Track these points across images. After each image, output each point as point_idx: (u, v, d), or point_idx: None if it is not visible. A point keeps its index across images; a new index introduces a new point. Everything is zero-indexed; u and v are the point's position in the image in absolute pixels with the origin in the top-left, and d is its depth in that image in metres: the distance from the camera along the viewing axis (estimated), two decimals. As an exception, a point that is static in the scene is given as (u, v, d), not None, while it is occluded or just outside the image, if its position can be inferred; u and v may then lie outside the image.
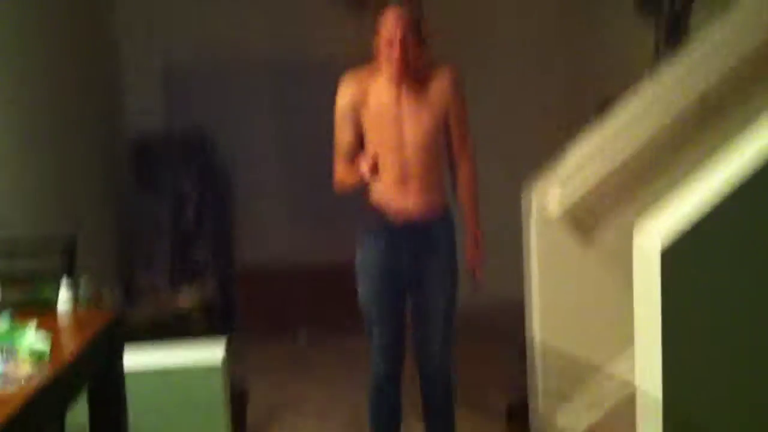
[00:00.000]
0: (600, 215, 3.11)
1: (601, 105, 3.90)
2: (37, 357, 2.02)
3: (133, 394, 2.51)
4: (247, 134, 6.00)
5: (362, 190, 3.06)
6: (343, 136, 3.05)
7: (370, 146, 2.99)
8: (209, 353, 3.14)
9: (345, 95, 3.02)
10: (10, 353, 2.03)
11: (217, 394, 3.07)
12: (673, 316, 1.97)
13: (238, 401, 3.52)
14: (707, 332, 1.99)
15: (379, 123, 2.98)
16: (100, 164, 5.11)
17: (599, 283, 3.10)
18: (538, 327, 3.15)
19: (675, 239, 2.00)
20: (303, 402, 4.36)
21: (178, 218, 5.29)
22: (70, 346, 2.22)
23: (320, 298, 5.53)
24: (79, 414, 2.36)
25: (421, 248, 3.03)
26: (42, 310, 2.44)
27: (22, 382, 1.87)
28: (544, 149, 3.39)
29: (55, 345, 2.11)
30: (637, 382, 2.17)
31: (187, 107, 5.57)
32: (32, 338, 2.11)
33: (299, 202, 6.07)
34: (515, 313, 3.47)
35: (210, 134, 5.52)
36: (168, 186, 5.29)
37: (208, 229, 5.33)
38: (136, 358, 3.02)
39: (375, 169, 2.86)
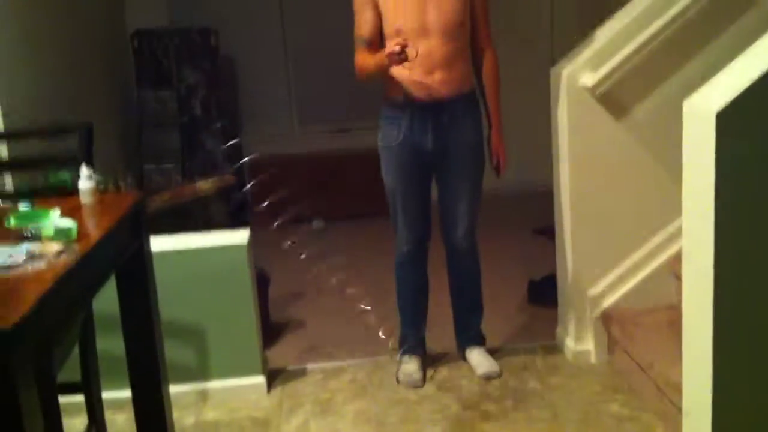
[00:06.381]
0: (633, 93, 2.87)
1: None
2: (64, 235, 1.80)
3: (161, 277, 2.31)
4: (252, 27, 5.67)
5: (382, 82, 2.80)
6: (363, 21, 2.76)
7: (392, 33, 2.71)
8: (234, 235, 2.94)
9: None
10: (35, 233, 1.82)
11: (244, 272, 2.89)
12: (726, 184, 1.76)
13: (259, 284, 3.34)
14: (762, 202, 1.79)
15: (402, 8, 2.69)
16: (103, 58, 4.77)
17: (631, 161, 2.90)
18: (567, 204, 2.95)
19: (732, 99, 1.76)
20: (323, 282, 4.20)
21: (185, 110, 5.01)
22: (97, 225, 2.00)
23: (332, 186, 5.32)
24: (107, 303, 2.17)
25: (445, 124, 2.79)
26: (60, 197, 2.21)
27: (51, 259, 1.66)
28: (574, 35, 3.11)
29: (81, 226, 1.89)
30: (685, 249, 1.97)
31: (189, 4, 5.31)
32: (57, 218, 1.89)
33: (307, 91, 5.79)
34: (536, 198, 3.27)
35: (213, 27, 5.18)
36: (173, 79, 4.99)
37: (216, 121, 5.05)
38: (164, 242, 2.82)
39: (403, 53, 2.54)
